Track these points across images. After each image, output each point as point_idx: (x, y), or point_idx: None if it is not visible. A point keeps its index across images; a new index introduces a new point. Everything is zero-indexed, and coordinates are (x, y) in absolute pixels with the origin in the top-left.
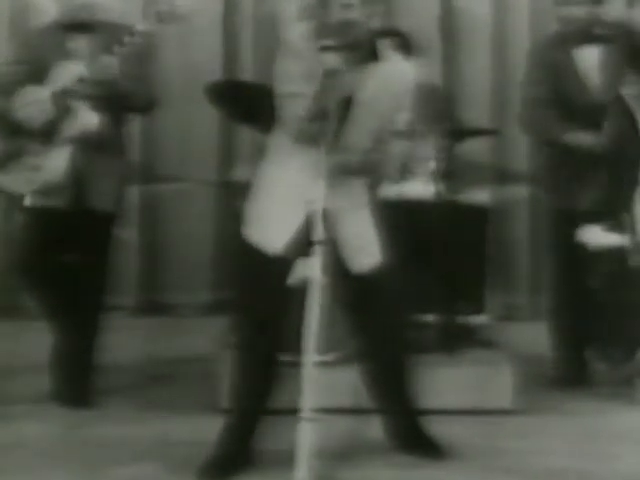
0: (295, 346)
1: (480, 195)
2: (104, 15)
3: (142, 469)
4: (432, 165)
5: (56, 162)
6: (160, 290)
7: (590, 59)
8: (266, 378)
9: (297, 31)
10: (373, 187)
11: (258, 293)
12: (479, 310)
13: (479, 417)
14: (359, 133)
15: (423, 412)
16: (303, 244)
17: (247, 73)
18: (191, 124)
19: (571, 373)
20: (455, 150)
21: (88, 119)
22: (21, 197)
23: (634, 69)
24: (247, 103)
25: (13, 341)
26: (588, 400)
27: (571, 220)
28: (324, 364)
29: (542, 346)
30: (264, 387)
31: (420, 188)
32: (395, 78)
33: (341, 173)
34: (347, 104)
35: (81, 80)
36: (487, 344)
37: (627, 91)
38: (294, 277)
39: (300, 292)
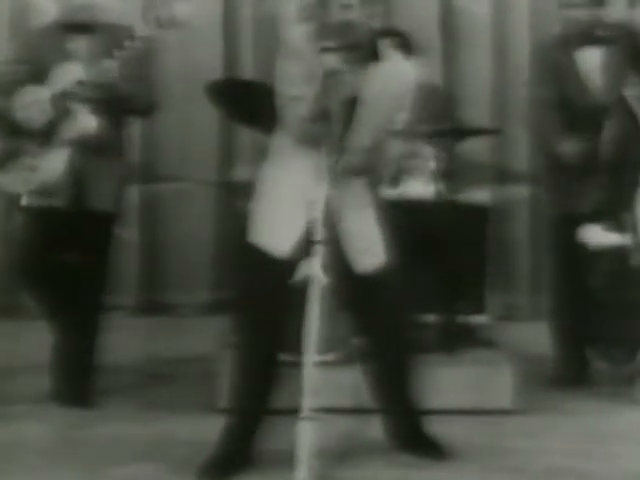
0: (295, 346)
1: (480, 195)
2: (104, 16)
3: (142, 469)
4: (432, 165)
5: (54, 163)
6: (160, 290)
7: (592, 61)
8: (267, 378)
9: (297, 32)
10: (373, 187)
11: (263, 294)
12: (479, 310)
13: (479, 417)
14: (362, 133)
15: (423, 412)
16: (308, 245)
17: (247, 73)
18: (191, 124)
19: (571, 373)
20: (455, 150)
21: (87, 122)
22: (19, 197)
23: (636, 70)
24: (247, 102)
25: (13, 341)
26: (589, 400)
27: (572, 220)
28: (324, 364)
29: (542, 346)
30: (265, 387)
31: (420, 188)
32: (396, 77)
33: (345, 173)
34: (350, 104)
35: (80, 83)
36: (487, 344)
37: (629, 92)
38: (297, 276)
39: (300, 292)
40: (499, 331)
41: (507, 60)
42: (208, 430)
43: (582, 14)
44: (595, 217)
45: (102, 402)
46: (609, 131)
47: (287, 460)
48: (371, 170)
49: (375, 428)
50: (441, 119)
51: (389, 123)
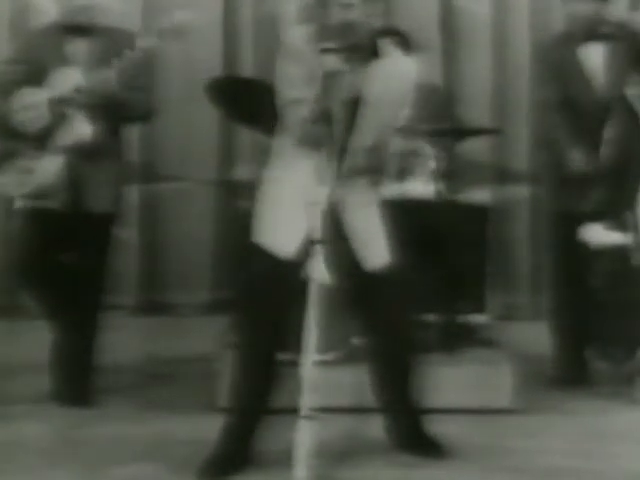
0: (295, 346)
1: (480, 195)
2: (104, 17)
3: (142, 469)
4: (432, 165)
5: (49, 167)
6: (160, 290)
7: (595, 57)
8: (268, 378)
9: (297, 34)
10: (376, 185)
11: (266, 294)
12: (479, 309)
13: (479, 416)
14: (366, 132)
15: (424, 411)
16: (312, 246)
17: (247, 73)
18: (191, 124)
19: (571, 372)
20: (455, 150)
21: (82, 129)
22: (15, 199)
23: (638, 70)
24: (247, 100)
25: (13, 341)
26: (588, 399)
27: (573, 219)
28: (324, 364)
29: (542, 346)
30: (266, 387)
31: (420, 188)
32: (397, 75)
33: (349, 173)
34: (352, 104)
35: (78, 90)
36: (487, 343)
37: (631, 92)
38: (302, 277)
39: (301, 292)
40: (499, 331)
41: (507, 60)
42: (208, 430)
43: (586, 9)
44: (596, 216)
45: (102, 402)
46: (611, 130)
47: (287, 460)
48: (375, 169)
49: (375, 428)
50: (441, 119)
51: (392, 121)
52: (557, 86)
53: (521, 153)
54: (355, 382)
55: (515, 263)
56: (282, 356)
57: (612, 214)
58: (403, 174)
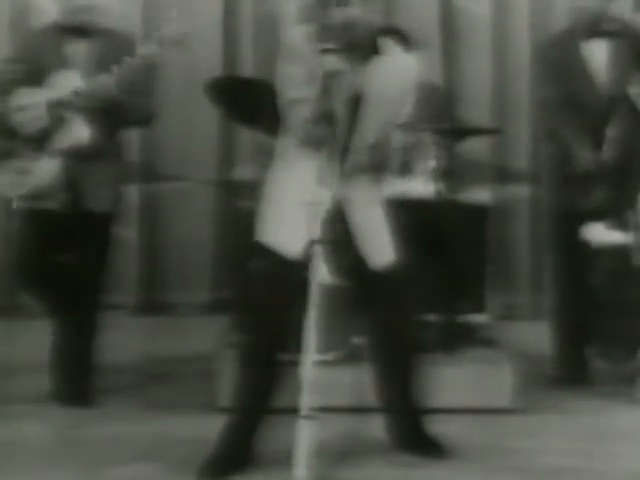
0: (295, 346)
1: (480, 194)
2: (104, 18)
3: (142, 468)
4: (432, 164)
5: (46, 168)
6: (160, 289)
7: (599, 53)
8: (270, 378)
9: (297, 34)
10: (380, 183)
11: (272, 294)
12: (479, 309)
13: (479, 416)
14: (368, 130)
15: (424, 411)
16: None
17: (247, 73)
18: (191, 124)
19: (572, 372)
20: (455, 149)
21: (80, 133)
22: (13, 199)
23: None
24: (247, 100)
25: (13, 341)
26: (589, 399)
27: (575, 217)
28: (324, 364)
29: (543, 345)
30: (268, 387)
31: (420, 187)
32: (398, 71)
33: (353, 171)
34: (353, 103)
35: (77, 93)
36: (487, 343)
37: (633, 91)
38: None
39: (301, 292)
40: (499, 330)
41: (507, 60)
42: (208, 429)
43: (590, 4)
44: (598, 215)
45: (102, 402)
46: (614, 129)
47: (287, 460)
48: (378, 166)
49: (375, 428)
50: (441, 118)
51: (394, 117)
52: (560, 83)
53: (521, 153)
54: (355, 382)
55: (515, 263)
56: (282, 356)
57: (614, 213)
58: (406, 169)
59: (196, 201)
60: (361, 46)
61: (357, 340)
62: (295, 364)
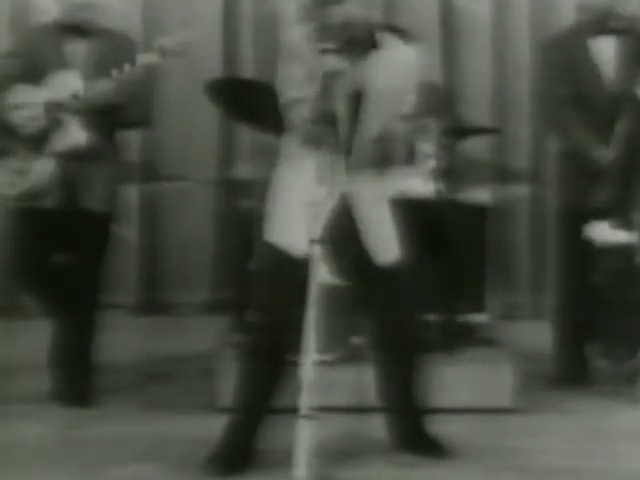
0: (295, 346)
1: (481, 194)
2: (104, 16)
3: (142, 468)
4: (432, 163)
5: (42, 169)
6: (160, 289)
7: (606, 50)
8: (275, 378)
9: (297, 34)
10: (384, 178)
11: (279, 293)
12: (480, 309)
13: (480, 416)
14: (372, 124)
15: (425, 411)
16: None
17: (247, 72)
18: (191, 124)
19: (572, 371)
20: (456, 148)
21: (77, 136)
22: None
23: None
24: (248, 101)
25: (13, 341)
26: (589, 399)
27: (579, 216)
28: (324, 364)
29: (543, 345)
30: (273, 387)
31: (420, 186)
32: (398, 63)
33: (358, 166)
34: (356, 97)
35: (75, 96)
36: (488, 343)
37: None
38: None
39: (303, 291)
40: (499, 330)
41: (507, 60)
42: (208, 429)
43: (598, 2)
44: (603, 214)
45: (102, 401)
46: (621, 128)
47: (287, 460)
48: (383, 160)
49: (375, 428)
50: (441, 118)
51: (397, 110)
52: (567, 81)
53: (521, 153)
54: (355, 382)
55: (515, 262)
56: (285, 355)
57: (618, 212)
58: (411, 157)
59: (196, 201)
60: (360, 43)
61: (357, 340)
62: (295, 364)
